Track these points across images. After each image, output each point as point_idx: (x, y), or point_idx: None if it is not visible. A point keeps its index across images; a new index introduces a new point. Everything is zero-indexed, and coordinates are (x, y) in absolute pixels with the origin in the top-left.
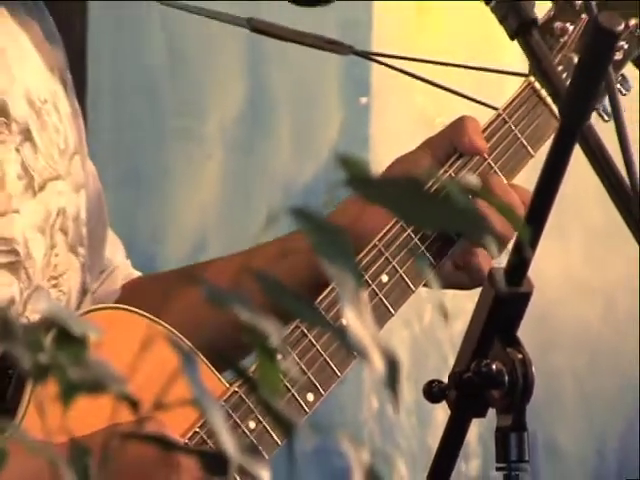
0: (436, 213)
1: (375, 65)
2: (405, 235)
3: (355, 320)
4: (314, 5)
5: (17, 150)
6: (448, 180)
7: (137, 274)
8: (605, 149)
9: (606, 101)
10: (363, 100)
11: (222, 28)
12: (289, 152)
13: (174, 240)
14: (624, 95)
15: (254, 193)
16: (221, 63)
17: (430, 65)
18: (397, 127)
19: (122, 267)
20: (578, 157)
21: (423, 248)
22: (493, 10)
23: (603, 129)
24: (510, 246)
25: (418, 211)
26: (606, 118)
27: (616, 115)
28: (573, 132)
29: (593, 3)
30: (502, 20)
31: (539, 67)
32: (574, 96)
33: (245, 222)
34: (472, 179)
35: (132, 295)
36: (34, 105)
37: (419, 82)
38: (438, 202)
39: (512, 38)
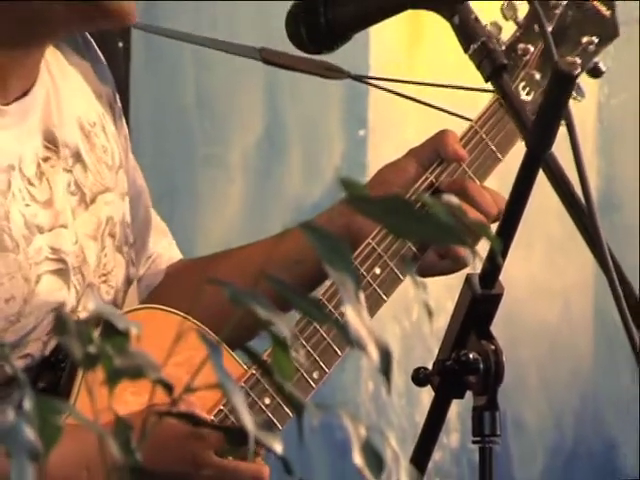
0: (420, 228)
1: (372, 102)
2: (391, 237)
3: (354, 317)
4: (319, 53)
5: (69, 171)
6: (431, 199)
7: (179, 257)
8: (564, 173)
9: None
10: (361, 133)
11: (243, 68)
12: (300, 176)
13: (203, 250)
14: (579, 101)
15: (270, 211)
16: (242, 100)
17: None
18: (390, 156)
19: (165, 252)
20: (541, 179)
21: (409, 244)
22: (470, 57)
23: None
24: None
25: (405, 226)
26: (579, 99)
27: (573, 144)
28: (537, 159)
29: (554, 50)
30: (478, 65)
31: (508, 103)
32: (538, 129)
33: (263, 235)
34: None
35: (173, 277)
36: (84, 129)
37: (409, 117)
38: (422, 218)
39: (486, 80)
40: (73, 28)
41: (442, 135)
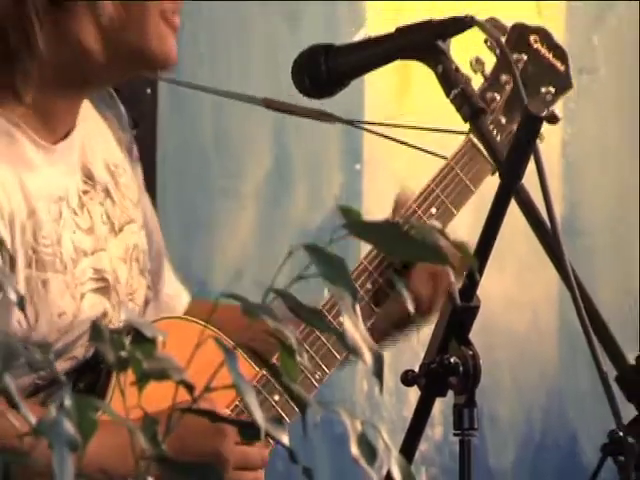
0: (406, 248)
1: (366, 140)
2: (382, 257)
3: (351, 326)
4: (320, 98)
5: (101, 204)
6: (419, 225)
7: (186, 299)
8: (532, 201)
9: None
10: (357, 166)
11: (253, 111)
12: (304, 204)
13: (220, 270)
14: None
15: (279, 234)
16: (253, 139)
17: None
18: (382, 186)
19: (176, 295)
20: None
21: (396, 262)
22: (452, 101)
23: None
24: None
25: (395, 247)
26: (559, 117)
27: (541, 176)
28: (510, 189)
29: (524, 93)
30: (459, 109)
31: (483, 142)
32: (510, 164)
33: (272, 256)
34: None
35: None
36: (110, 169)
37: (399, 153)
38: (410, 240)
39: (465, 121)
40: (123, 79)
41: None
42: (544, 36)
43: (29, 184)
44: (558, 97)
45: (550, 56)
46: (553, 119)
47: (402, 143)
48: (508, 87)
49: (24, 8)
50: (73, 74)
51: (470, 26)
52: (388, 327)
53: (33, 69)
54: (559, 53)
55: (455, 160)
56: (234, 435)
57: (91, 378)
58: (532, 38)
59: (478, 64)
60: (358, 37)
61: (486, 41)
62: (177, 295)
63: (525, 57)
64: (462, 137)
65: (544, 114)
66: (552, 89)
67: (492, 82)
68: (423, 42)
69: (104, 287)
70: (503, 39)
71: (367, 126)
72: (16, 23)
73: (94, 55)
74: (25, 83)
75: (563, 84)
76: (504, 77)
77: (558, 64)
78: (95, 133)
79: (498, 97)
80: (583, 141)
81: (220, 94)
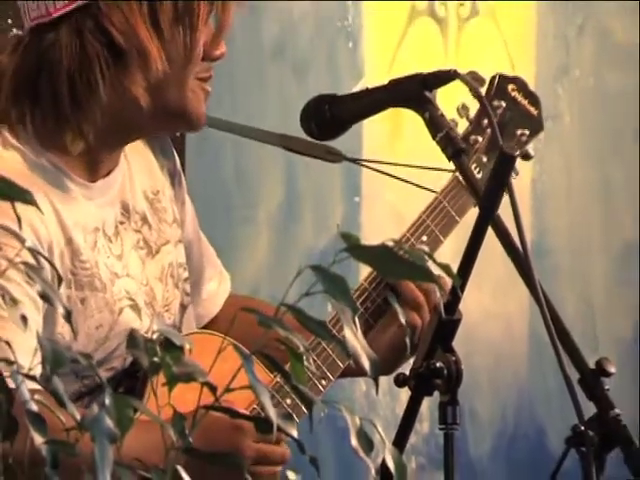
0: (400, 269)
1: (364, 176)
2: (380, 278)
3: (352, 336)
4: (325, 140)
5: (138, 231)
6: (409, 249)
7: (226, 294)
8: (506, 228)
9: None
10: (356, 199)
11: (268, 151)
12: (310, 231)
13: (239, 286)
14: (514, 178)
15: (289, 257)
16: (268, 174)
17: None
18: (378, 216)
19: (213, 296)
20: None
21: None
22: (437, 143)
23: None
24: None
25: (388, 268)
26: (514, 176)
27: (513, 207)
28: (487, 218)
29: (500, 137)
30: (443, 149)
31: (464, 177)
32: (487, 197)
33: (284, 275)
34: (424, 246)
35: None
36: (149, 198)
37: (393, 188)
38: (401, 262)
39: (449, 160)
40: (161, 133)
41: None
42: (520, 85)
43: (66, 216)
44: (532, 138)
45: (525, 102)
46: (527, 156)
47: (396, 178)
48: (489, 130)
49: (90, 61)
50: (121, 123)
51: (453, 79)
52: (386, 354)
53: (95, 115)
54: (533, 100)
55: (443, 194)
56: (252, 433)
57: (129, 384)
58: (510, 87)
59: (464, 109)
60: (357, 88)
61: (471, 90)
62: (216, 292)
63: (504, 103)
64: (449, 174)
65: (517, 153)
66: (527, 131)
67: (475, 126)
68: (412, 92)
69: (134, 304)
70: (482, 89)
71: (368, 164)
72: (82, 74)
73: (142, 106)
74: (82, 130)
75: (536, 127)
76: (485, 122)
77: (532, 109)
78: (137, 165)
79: (480, 139)
80: (549, 178)
81: (241, 134)
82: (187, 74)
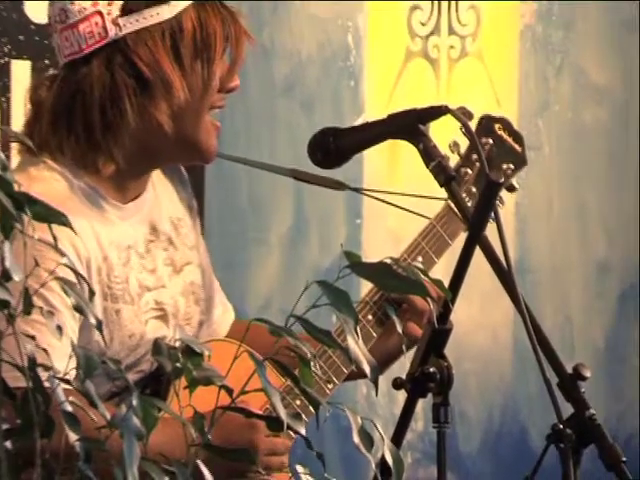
0: (397, 284)
1: (365, 201)
2: (380, 293)
3: (354, 344)
4: (330, 168)
5: (165, 250)
6: (406, 266)
7: (230, 321)
8: (492, 247)
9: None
10: (358, 221)
11: (279, 180)
12: (316, 251)
13: (253, 300)
14: (501, 207)
15: (297, 274)
16: (278, 200)
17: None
18: (377, 237)
19: (222, 322)
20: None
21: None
22: (431, 171)
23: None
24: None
25: (387, 283)
26: (501, 205)
27: (499, 228)
28: (475, 239)
29: (486, 166)
30: (436, 177)
31: (455, 202)
32: (475, 219)
33: (293, 290)
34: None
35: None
36: (173, 223)
37: (391, 212)
38: (398, 277)
39: (441, 186)
40: (179, 161)
41: None
42: (506, 124)
43: (102, 235)
44: (516, 172)
45: (510, 140)
46: (512, 188)
47: (393, 205)
48: (477, 164)
49: (119, 91)
50: (148, 148)
51: (445, 113)
52: (384, 360)
53: (124, 139)
54: (517, 138)
55: (436, 220)
56: (264, 429)
57: (155, 386)
58: (497, 126)
59: (455, 146)
60: (358, 122)
61: (461, 128)
62: (224, 316)
63: (491, 141)
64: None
65: (502, 181)
66: (512, 165)
67: (465, 160)
68: (408, 126)
69: (163, 315)
70: (471, 123)
71: (367, 192)
72: (112, 102)
73: (166, 131)
74: (113, 155)
75: (520, 161)
76: (474, 156)
77: (516, 146)
78: (163, 195)
79: (470, 172)
80: (531, 202)
81: (256, 165)
82: (204, 103)
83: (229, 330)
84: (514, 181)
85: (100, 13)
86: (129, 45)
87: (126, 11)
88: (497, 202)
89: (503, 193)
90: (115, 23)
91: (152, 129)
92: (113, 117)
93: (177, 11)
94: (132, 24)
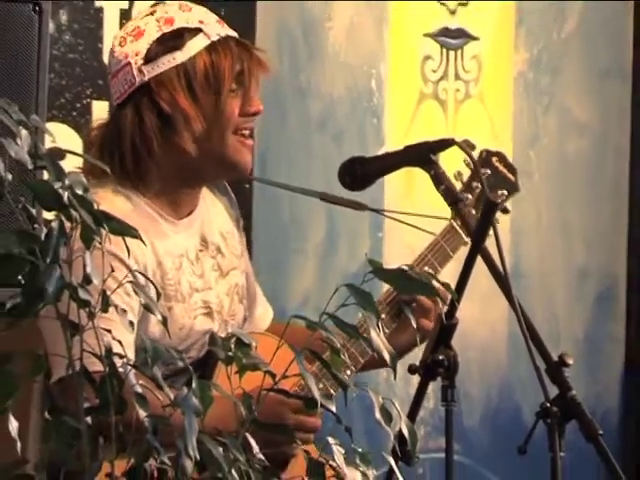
0: (412, 286)
1: (386, 217)
2: (395, 295)
3: (376, 337)
4: (356, 191)
5: (213, 257)
6: (419, 272)
7: (269, 319)
8: (491, 255)
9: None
10: (379, 234)
11: (314, 200)
12: (345, 259)
13: (292, 301)
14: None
15: (329, 278)
16: (314, 217)
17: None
18: (396, 248)
19: (260, 320)
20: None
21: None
22: (440, 193)
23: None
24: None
25: (403, 285)
26: (509, 210)
27: (497, 240)
28: (477, 249)
29: (487, 190)
30: (444, 198)
31: (461, 218)
32: (477, 232)
33: (325, 292)
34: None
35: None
36: (222, 235)
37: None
38: (413, 281)
39: (449, 206)
40: (220, 178)
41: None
42: (502, 158)
43: (158, 246)
44: (509, 197)
45: (505, 171)
46: (505, 211)
47: (407, 224)
48: (477, 190)
49: (145, 127)
50: (182, 170)
51: (452, 145)
52: (398, 351)
53: (153, 168)
54: (511, 169)
55: (441, 236)
56: (292, 407)
57: (202, 370)
58: (494, 159)
59: (459, 175)
60: (380, 152)
61: (464, 161)
62: (264, 314)
63: (489, 171)
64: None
65: (499, 201)
66: (505, 192)
67: (467, 187)
68: (421, 155)
69: (209, 312)
70: (473, 152)
71: (381, 212)
72: (140, 138)
73: (192, 155)
74: (146, 179)
75: (513, 189)
76: (474, 184)
77: (510, 176)
78: (214, 213)
79: (470, 196)
80: (523, 220)
81: (292, 189)
82: (223, 128)
83: (268, 327)
84: (508, 205)
85: (129, 63)
86: (152, 88)
87: (148, 59)
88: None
89: (498, 215)
90: (140, 71)
91: (179, 154)
92: (141, 147)
93: (190, 55)
94: (153, 69)
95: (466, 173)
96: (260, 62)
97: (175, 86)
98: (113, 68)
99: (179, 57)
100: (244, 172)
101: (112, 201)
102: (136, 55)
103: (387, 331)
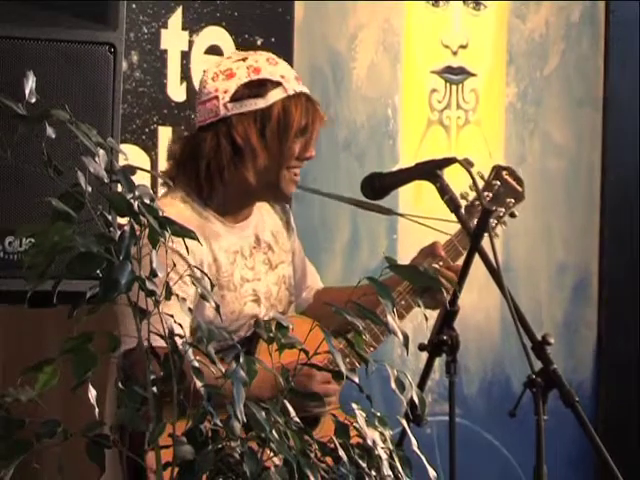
0: (422, 279)
1: (400, 221)
2: (410, 286)
3: (391, 320)
4: (376, 200)
5: (265, 253)
6: (427, 267)
7: (320, 286)
8: (487, 255)
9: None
10: (394, 236)
11: (340, 206)
12: (366, 256)
13: None
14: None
15: (353, 273)
16: (339, 222)
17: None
18: (409, 247)
19: (314, 285)
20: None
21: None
22: (445, 202)
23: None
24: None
25: (414, 278)
26: (517, 214)
27: (491, 241)
28: (475, 247)
29: (484, 200)
30: (448, 206)
31: (461, 223)
32: (475, 235)
33: (350, 284)
34: (435, 266)
35: (313, 301)
36: (274, 234)
37: (420, 229)
38: (422, 274)
39: (452, 212)
40: (271, 201)
41: (434, 244)
42: (511, 172)
43: (213, 244)
44: (517, 204)
45: (514, 183)
46: (513, 215)
47: (421, 224)
48: (479, 208)
49: (220, 155)
50: (240, 192)
51: (454, 162)
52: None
53: (220, 188)
54: (519, 181)
55: (455, 236)
56: (318, 378)
57: (248, 346)
58: (504, 172)
59: (465, 194)
60: (395, 168)
61: (464, 167)
62: (307, 296)
63: (499, 182)
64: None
65: (494, 209)
66: (513, 200)
67: (470, 205)
68: (429, 171)
69: (257, 299)
70: (472, 168)
71: (407, 216)
72: (215, 162)
73: (251, 183)
74: (212, 194)
75: (519, 197)
76: (476, 202)
77: (517, 187)
78: (267, 216)
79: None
80: (512, 223)
81: (323, 195)
82: (281, 167)
83: (312, 305)
84: (515, 210)
85: (217, 97)
86: (232, 122)
87: (234, 99)
88: (492, 224)
89: (506, 218)
90: (225, 106)
91: (242, 181)
92: (214, 169)
93: (269, 103)
94: (236, 108)
95: (470, 194)
96: (322, 117)
97: (251, 126)
98: (203, 97)
99: (260, 103)
100: (289, 199)
101: (177, 207)
102: (225, 92)
103: (405, 314)
